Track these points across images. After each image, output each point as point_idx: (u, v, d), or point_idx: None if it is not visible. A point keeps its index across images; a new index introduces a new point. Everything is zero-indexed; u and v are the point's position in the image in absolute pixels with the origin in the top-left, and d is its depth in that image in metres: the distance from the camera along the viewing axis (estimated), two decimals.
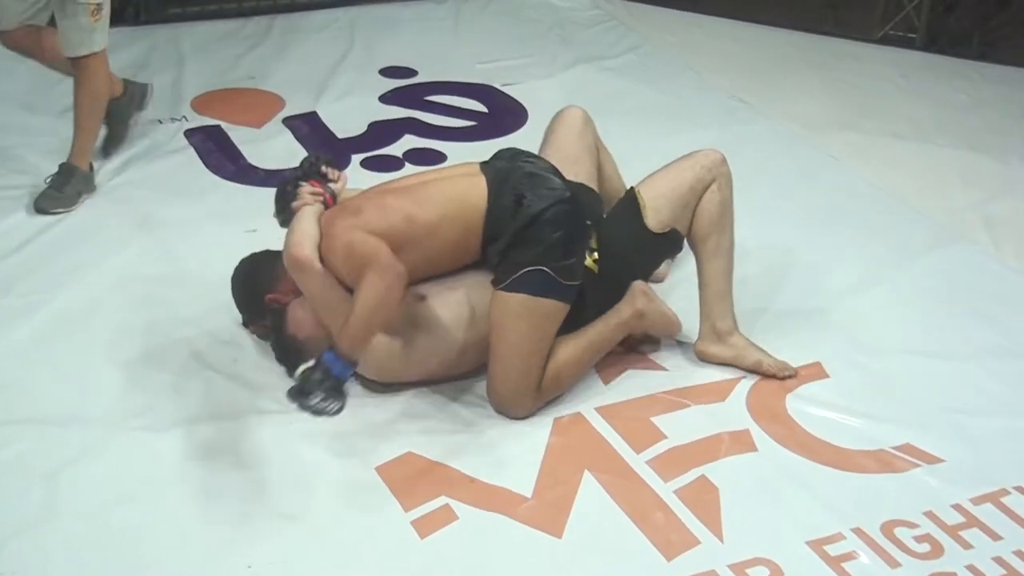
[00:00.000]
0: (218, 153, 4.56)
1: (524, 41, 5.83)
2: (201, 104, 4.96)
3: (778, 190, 4.44)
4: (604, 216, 3.44)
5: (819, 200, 4.40)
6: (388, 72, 5.36)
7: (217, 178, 4.39)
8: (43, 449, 3.02)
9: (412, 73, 5.37)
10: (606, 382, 3.34)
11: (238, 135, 4.70)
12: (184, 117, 4.83)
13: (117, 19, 5.76)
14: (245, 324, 3.45)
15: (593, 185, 3.52)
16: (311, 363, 2.85)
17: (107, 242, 3.92)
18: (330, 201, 3.23)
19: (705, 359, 3.43)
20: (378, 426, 3.13)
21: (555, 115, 3.69)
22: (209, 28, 5.77)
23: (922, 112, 5.21)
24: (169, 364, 3.34)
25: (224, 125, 4.77)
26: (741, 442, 3.14)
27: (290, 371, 3.17)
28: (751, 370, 3.38)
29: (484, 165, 3.30)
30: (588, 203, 3.34)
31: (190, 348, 3.39)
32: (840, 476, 3.05)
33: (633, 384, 3.34)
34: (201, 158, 4.52)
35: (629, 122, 4.86)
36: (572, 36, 5.91)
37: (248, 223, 3.98)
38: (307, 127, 4.81)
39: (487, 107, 5.09)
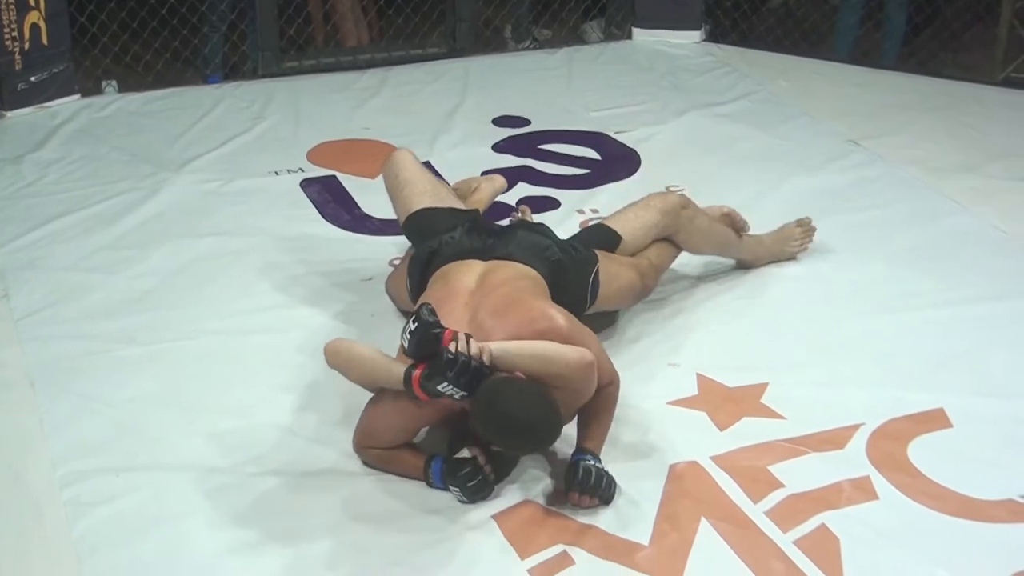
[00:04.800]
0: (334, 204, 4.62)
1: (637, 88, 5.83)
2: (317, 155, 5.04)
3: (898, 233, 4.36)
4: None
5: (944, 244, 4.30)
6: (501, 121, 5.40)
7: (333, 228, 4.44)
8: (163, 497, 3.05)
9: (525, 122, 5.40)
10: (722, 429, 3.30)
11: (353, 185, 4.75)
12: (300, 168, 4.91)
13: (235, 73, 5.96)
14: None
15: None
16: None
17: (227, 292, 3.98)
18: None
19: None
20: None
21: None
22: (324, 81, 5.88)
23: None
24: (286, 412, 3.37)
25: (339, 176, 4.84)
26: (862, 490, 3.06)
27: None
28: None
29: (489, 252, 3.34)
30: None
31: (308, 397, 3.41)
32: (967, 526, 2.95)
33: (749, 431, 3.28)
34: (317, 208, 4.58)
35: (743, 168, 4.83)
36: (685, 83, 5.90)
37: (364, 272, 4.04)
38: None
39: (600, 154, 5.09)
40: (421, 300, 3.16)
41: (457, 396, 2.84)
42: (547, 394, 2.88)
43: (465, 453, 3.02)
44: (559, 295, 3.29)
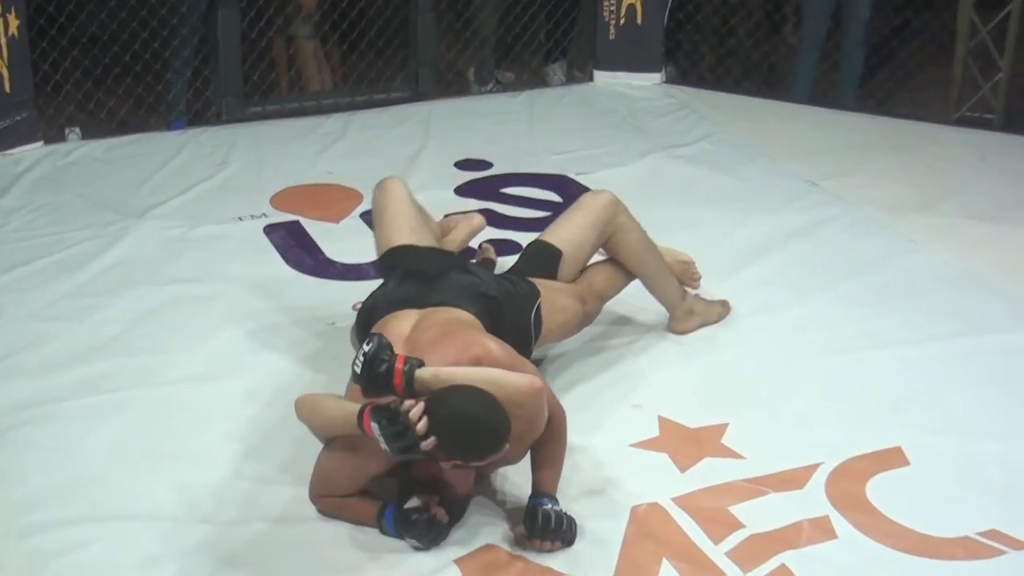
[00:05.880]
0: (297, 248, 4.63)
1: (598, 131, 5.89)
2: (280, 200, 5.06)
3: (856, 273, 4.41)
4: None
5: (902, 283, 4.36)
6: (463, 165, 5.44)
7: (297, 273, 4.46)
8: (125, 546, 3.03)
9: (487, 165, 5.44)
10: (683, 470, 3.32)
11: (317, 230, 4.77)
12: (264, 214, 4.93)
13: (199, 119, 5.98)
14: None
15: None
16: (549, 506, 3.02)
17: (191, 339, 3.98)
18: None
19: (685, 332, 3.96)
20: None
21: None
22: (288, 126, 5.91)
23: (1003, 193, 5.15)
24: (250, 461, 3.36)
25: (303, 220, 4.85)
26: (821, 529, 3.09)
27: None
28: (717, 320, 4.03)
29: (421, 301, 3.32)
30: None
31: (274, 444, 3.40)
32: (925, 564, 2.98)
33: (710, 472, 3.31)
34: (281, 254, 4.59)
35: (703, 209, 4.88)
36: (645, 125, 5.96)
37: (328, 317, 4.06)
38: None
39: (561, 196, 5.11)
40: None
41: (382, 446, 2.86)
42: (492, 396, 2.88)
43: (415, 502, 3.02)
44: (500, 335, 3.26)
